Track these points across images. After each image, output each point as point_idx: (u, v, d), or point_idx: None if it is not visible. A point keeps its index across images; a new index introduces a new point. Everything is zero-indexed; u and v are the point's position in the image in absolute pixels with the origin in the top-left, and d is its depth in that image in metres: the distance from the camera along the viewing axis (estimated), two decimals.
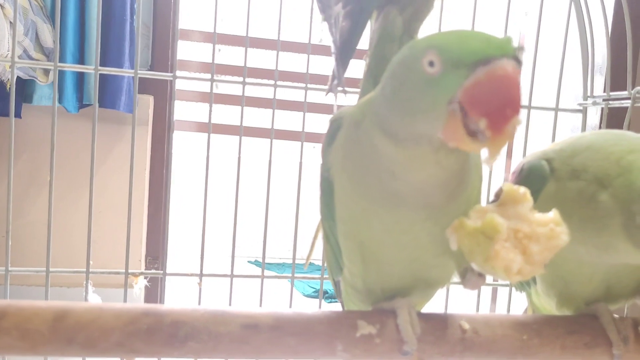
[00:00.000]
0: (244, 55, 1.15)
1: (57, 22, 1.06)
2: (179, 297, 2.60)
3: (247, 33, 1.15)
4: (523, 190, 0.59)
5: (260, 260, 3.40)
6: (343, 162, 0.64)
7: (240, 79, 1.12)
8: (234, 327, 0.59)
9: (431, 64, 0.51)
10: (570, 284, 0.74)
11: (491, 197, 0.65)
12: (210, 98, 1.13)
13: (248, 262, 3.41)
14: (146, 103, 2.39)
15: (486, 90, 0.49)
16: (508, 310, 1.17)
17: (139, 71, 1.00)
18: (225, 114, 2.84)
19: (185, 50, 3.00)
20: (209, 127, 1.13)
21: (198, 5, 3.23)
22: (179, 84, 2.87)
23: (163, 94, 2.45)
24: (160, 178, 2.46)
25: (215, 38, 1.11)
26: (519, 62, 0.51)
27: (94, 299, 1.05)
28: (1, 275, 1.01)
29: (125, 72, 1.12)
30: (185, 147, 3.30)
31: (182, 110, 3.03)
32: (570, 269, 0.71)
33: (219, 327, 0.59)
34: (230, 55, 3.23)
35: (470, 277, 0.66)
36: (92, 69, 1.02)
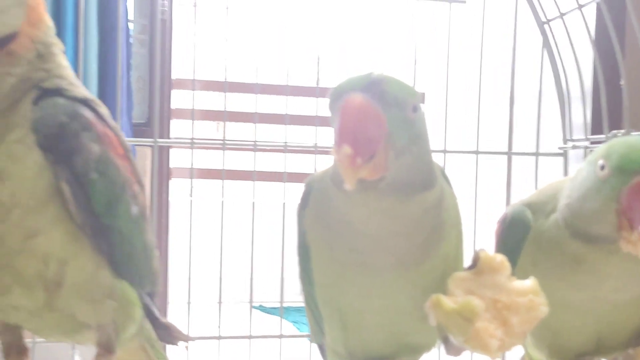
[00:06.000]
0: (254, 103, 1.17)
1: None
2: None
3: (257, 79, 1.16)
4: (500, 258, 0.59)
5: (265, 305, 3.36)
6: (315, 225, 0.64)
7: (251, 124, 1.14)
8: None
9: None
10: (560, 335, 0.73)
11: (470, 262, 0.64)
12: (223, 163, 1.13)
13: (253, 307, 3.37)
14: (143, 155, 2.41)
15: None
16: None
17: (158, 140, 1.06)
18: (234, 159, 2.85)
19: (183, 99, 3.04)
20: (222, 175, 1.13)
21: (195, 54, 3.28)
22: (178, 131, 2.91)
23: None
24: (159, 228, 2.46)
25: (226, 88, 1.12)
26: None
27: None
28: None
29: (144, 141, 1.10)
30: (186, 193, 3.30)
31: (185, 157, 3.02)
32: (560, 320, 0.70)
33: None
34: (235, 101, 3.27)
35: (452, 344, 0.65)
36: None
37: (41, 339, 0.97)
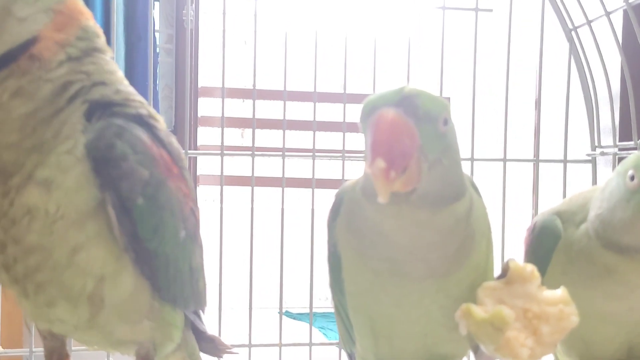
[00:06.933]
0: (282, 109, 1.17)
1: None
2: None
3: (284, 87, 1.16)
4: (530, 268, 0.60)
5: (291, 311, 3.37)
6: (347, 236, 0.65)
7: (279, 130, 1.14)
8: None
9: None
10: (591, 345, 0.73)
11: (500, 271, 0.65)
12: (252, 173, 1.14)
13: (277, 313, 3.38)
14: None
15: None
16: None
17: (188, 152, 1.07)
18: (262, 166, 2.86)
19: (210, 106, 3.08)
20: (251, 182, 1.14)
21: (221, 61, 3.32)
22: (205, 139, 2.95)
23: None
24: None
25: (254, 98, 1.13)
26: None
27: None
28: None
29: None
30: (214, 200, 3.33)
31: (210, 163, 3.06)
32: (591, 329, 0.70)
33: None
34: (262, 108, 3.29)
35: (483, 353, 0.66)
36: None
37: (77, 347, 1.00)
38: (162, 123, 0.64)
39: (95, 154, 0.56)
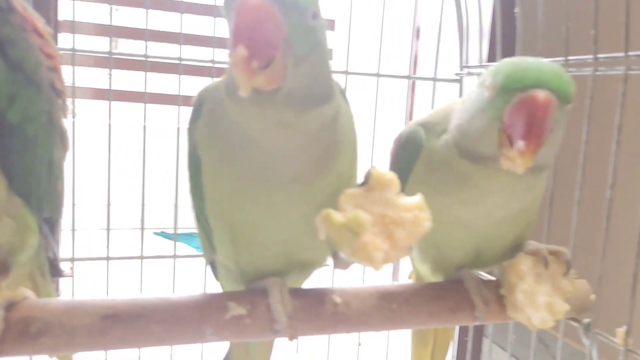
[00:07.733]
0: (145, 18, 1.08)
1: None
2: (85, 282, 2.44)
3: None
4: (390, 175, 0.60)
5: (167, 231, 3.31)
6: (208, 139, 0.62)
7: (143, 43, 1.05)
8: (91, 319, 0.57)
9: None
10: (443, 249, 0.78)
11: (362, 179, 0.65)
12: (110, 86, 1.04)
13: (154, 233, 3.30)
14: None
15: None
16: (394, 271, 1.22)
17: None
18: (124, 79, 2.68)
19: (71, 10, 2.78)
20: (109, 95, 1.06)
21: None
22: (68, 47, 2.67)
23: None
24: None
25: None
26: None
27: None
28: None
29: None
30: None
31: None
32: (445, 234, 0.74)
33: (74, 320, 0.56)
34: (127, 16, 3.04)
35: (341, 259, 0.66)
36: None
37: None
38: None
39: None
